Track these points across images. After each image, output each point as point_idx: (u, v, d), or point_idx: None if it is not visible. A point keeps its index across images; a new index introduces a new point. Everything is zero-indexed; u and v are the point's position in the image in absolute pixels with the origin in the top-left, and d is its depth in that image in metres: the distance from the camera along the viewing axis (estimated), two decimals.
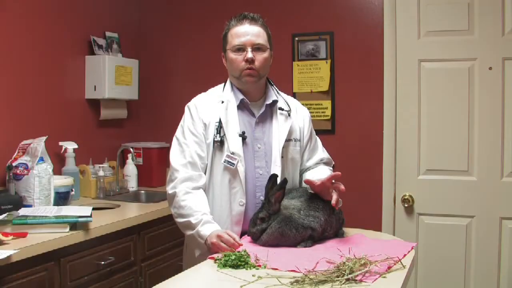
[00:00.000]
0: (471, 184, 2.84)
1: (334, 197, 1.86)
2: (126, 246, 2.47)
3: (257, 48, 1.94)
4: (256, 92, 2.03)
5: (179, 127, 2.02)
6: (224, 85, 2.06)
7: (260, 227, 1.80)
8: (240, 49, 1.94)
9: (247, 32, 1.94)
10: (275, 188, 1.81)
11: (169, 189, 1.94)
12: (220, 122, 1.96)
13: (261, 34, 1.96)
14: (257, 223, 1.81)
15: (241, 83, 1.99)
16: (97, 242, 2.26)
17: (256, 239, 1.81)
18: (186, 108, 2.03)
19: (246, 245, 1.78)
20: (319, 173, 2.04)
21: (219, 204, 1.95)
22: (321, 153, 2.16)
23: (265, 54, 1.97)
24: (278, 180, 1.86)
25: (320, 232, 1.85)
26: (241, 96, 1.99)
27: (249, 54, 1.92)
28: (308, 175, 2.05)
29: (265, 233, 1.79)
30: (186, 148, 1.95)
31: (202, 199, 1.90)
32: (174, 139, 2.01)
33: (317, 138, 2.19)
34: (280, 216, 1.80)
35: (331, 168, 2.17)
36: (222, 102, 1.99)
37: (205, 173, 1.96)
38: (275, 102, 2.03)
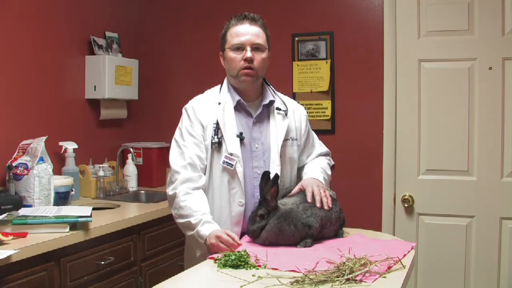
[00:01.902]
0: (471, 184, 2.83)
1: (309, 195, 1.91)
2: (126, 246, 2.47)
3: (256, 48, 1.95)
4: (253, 93, 2.03)
5: (177, 129, 2.03)
6: (221, 86, 2.07)
7: (260, 225, 1.80)
8: (240, 48, 1.95)
9: (247, 32, 1.95)
10: (269, 185, 1.81)
11: (169, 190, 1.95)
12: (217, 123, 1.96)
13: (261, 34, 1.97)
14: (256, 221, 1.81)
15: (239, 83, 1.99)
16: (97, 242, 2.26)
17: (255, 237, 1.81)
18: (183, 110, 2.04)
19: (246, 245, 1.78)
20: (314, 165, 2.09)
21: (219, 205, 1.96)
22: (319, 148, 2.20)
23: (264, 55, 1.98)
24: (271, 177, 1.86)
25: (318, 229, 1.85)
26: (237, 97, 2.00)
27: (248, 53, 1.93)
28: (305, 169, 2.11)
29: (264, 230, 1.79)
30: (186, 149, 1.95)
31: (201, 199, 1.90)
32: (173, 141, 2.02)
33: (314, 134, 2.22)
34: (279, 211, 1.80)
35: (329, 158, 2.21)
36: (219, 103, 1.99)
37: (204, 174, 1.97)
38: (272, 102, 2.04)
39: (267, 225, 1.79)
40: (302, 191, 1.96)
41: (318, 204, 1.87)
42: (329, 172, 2.13)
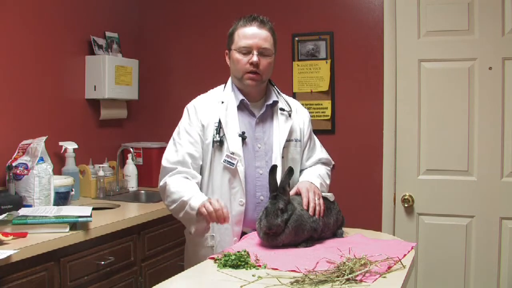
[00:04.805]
0: (471, 184, 2.83)
1: (304, 200, 1.87)
2: (126, 246, 2.47)
3: (262, 52, 1.94)
4: (257, 93, 2.03)
5: (176, 127, 2.04)
6: (225, 85, 2.07)
7: (283, 218, 1.74)
8: (246, 51, 1.93)
9: (254, 35, 1.93)
10: (285, 176, 1.79)
11: (160, 183, 1.95)
12: (219, 122, 1.96)
13: (268, 38, 1.96)
14: (278, 214, 1.74)
15: (243, 85, 1.99)
16: (97, 242, 2.27)
17: (280, 232, 1.74)
18: (185, 109, 2.05)
19: (246, 245, 1.78)
20: (313, 171, 2.06)
21: None
22: (320, 153, 2.17)
23: (270, 59, 1.97)
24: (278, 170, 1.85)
25: (319, 232, 1.86)
26: (241, 97, 2.00)
27: (255, 58, 1.92)
28: (303, 174, 2.07)
29: (283, 233, 1.75)
30: (180, 147, 1.96)
31: (193, 184, 1.90)
32: (171, 138, 2.03)
33: (316, 139, 2.20)
34: (296, 212, 1.78)
35: (329, 168, 2.18)
36: (222, 102, 1.99)
37: (200, 174, 1.97)
38: (275, 102, 2.04)
39: (286, 228, 1.75)
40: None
41: (311, 212, 1.84)
42: (327, 181, 2.10)
